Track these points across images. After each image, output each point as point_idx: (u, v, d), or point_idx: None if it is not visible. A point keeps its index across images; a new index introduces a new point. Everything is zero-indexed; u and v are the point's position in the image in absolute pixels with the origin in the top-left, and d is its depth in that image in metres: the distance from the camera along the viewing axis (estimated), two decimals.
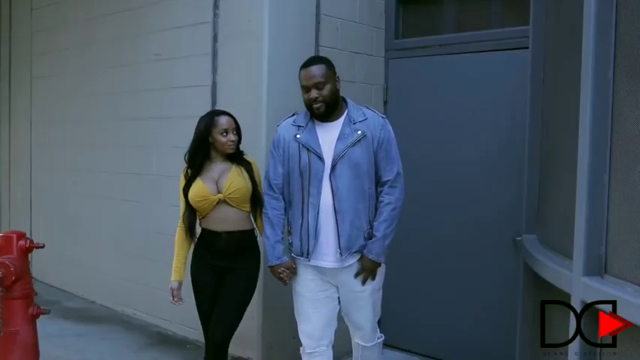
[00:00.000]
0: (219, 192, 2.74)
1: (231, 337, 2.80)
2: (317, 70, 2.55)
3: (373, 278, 2.62)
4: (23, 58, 5.70)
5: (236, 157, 2.82)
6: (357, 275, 2.60)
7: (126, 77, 4.50)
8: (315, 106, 2.54)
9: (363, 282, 2.61)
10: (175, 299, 2.84)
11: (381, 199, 2.60)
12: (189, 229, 2.84)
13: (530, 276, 2.47)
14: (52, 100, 5.38)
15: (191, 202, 2.79)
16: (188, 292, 2.88)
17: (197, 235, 2.87)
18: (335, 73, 2.60)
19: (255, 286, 2.87)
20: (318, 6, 3.61)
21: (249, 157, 2.88)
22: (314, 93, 2.52)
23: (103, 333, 4.21)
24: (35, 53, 5.55)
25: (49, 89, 5.40)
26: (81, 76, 5.00)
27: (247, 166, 2.81)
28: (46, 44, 5.40)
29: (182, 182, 2.85)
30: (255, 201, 2.80)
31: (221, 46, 3.69)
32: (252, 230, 2.84)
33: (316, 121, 2.61)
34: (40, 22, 5.48)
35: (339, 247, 2.55)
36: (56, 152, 5.34)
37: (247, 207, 2.80)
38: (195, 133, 2.80)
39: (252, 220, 2.85)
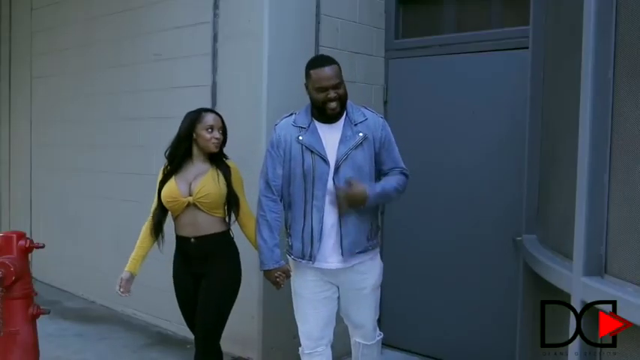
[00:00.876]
0: (190, 195, 2.67)
1: (215, 340, 2.74)
2: (332, 70, 2.53)
3: (346, 206, 2.47)
4: (23, 58, 5.69)
5: (217, 160, 2.75)
6: (338, 193, 2.46)
7: (126, 77, 4.50)
8: (331, 105, 2.51)
9: (341, 199, 2.45)
10: (122, 290, 2.78)
11: (391, 174, 2.61)
12: (156, 227, 2.78)
13: (530, 276, 2.47)
14: (52, 100, 5.37)
15: (162, 201, 2.74)
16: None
17: (164, 236, 2.81)
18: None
19: (238, 284, 2.79)
20: (318, 6, 3.61)
21: (230, 161, 2.81)
22: (332, 93, 2.50)
23: (102, 333, 4.21)
24: (35, 53, 5.55)
25: (49, 89, 5.40)
26: (81, 76, 5.00)
27: (226, 171, 2.73)
28: (46, 44, 5.40)
29: (159, 177, 2.80)
30: (230, 206, 2.74)
31: (221, 46, 3.69)
32: (226, 232, 2.78)
33: (317, 122, 2.59)
34: (40, 22, 5.48)
35: (342, 249, 2.54)
36: (56, 152, 5.33)
37: (219, 212, 2.73)
38: (180, 127, 2.75)
39: (228, 223, 2.79)
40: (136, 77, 4.41)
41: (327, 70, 2.51)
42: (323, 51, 3.59)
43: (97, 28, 4.77)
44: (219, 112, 2.85)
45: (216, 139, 2.69)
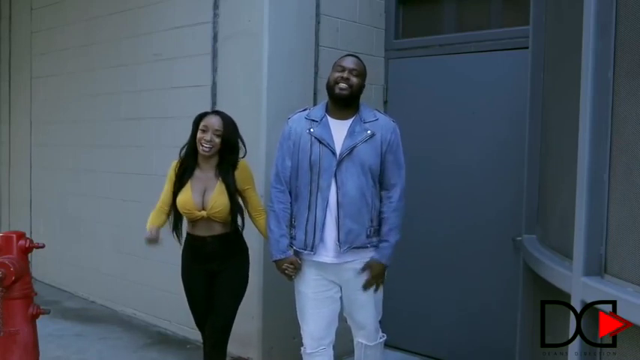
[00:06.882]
0: (203, 207, 2.73)
1: (229, 333, 2.81)
2: (358, 62, 2.66)
3: (381, 283, 2.67)
4: (23, 58, 5.69)
5: (221, 167, 2.76)
6: (365, 285, 2.63)
7: (126, 77, 4.50)
8: (341, 85, 2.57)
9: (372, 287, 2.64)
10: (153, 239, 2.74)
11: (389, 203, 2.64)
12: (176, 230, 2.87)
13: (530, 276, 2.47)
14: (52, 100, 5.37)
15: (178, 208, 2.79)
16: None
17: (181, 234, 2.88)
18: (365, 79, 2.70)
19: (248, 281, 2.89)
20: (317, 6, 3.61)
21: (242, 161, 2.83)
22: (346, 74, 2.58)
23: (102, 333, 4.21)
24: (35, 53, 5.55)
25: (49, 89, 5.40)
26: (81, 76, 5.00)
27: (229, 181, 2.74)
28: (46, 44, 5.40)
29: (172, 175, 2.82)
30: (235, 215, 2.78)
31: (221, 46, 3.69)
32: (236, 229, 2.83)
33: (330, 118, 2.63)
34: (40, 22, 5.48)
35: (339, 241, 2.56)
36: (56, 152, 5.33)
37: (229, 218, 2.79)
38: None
39: (236, 222, 2.84)
40: (135, 77, 4.41)
41: (353, 59, 2.66)
42: (323, 51, 3.60)
43: (97, 28, 4.77)
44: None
45: (206, 140, 2.69)
